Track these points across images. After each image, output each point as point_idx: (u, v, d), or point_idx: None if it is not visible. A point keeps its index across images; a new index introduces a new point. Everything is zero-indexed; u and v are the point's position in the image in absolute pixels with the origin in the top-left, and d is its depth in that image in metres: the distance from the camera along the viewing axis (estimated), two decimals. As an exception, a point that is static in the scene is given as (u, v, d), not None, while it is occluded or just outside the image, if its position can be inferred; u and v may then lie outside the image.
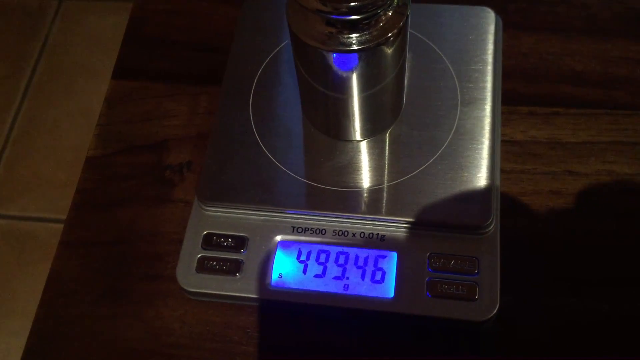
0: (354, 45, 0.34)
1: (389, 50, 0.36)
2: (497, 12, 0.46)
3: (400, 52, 0.37)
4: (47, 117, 1.21)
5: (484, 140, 0.41)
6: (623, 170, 0.42)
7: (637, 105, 0.44)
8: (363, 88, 0.38)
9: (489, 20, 0.45)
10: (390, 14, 0.35)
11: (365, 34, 0.34)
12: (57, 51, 1.28)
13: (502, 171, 0.42)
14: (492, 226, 0.39)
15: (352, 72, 0.36)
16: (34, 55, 1.28)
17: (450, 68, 0.44)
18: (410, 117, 0.42)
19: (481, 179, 0.40)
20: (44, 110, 1.22)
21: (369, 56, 0.36)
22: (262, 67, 0.45)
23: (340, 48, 0.35)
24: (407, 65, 0.40)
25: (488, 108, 0.42)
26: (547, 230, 0.40)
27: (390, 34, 0.35)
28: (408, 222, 0.39)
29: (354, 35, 0.34)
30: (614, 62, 0.46)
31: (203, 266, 0.39)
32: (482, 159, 0.40)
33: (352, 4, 0.32)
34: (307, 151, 0.43)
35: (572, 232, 0.40)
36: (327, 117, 0.42)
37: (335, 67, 0.36)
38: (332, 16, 0.33)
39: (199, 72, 0.48)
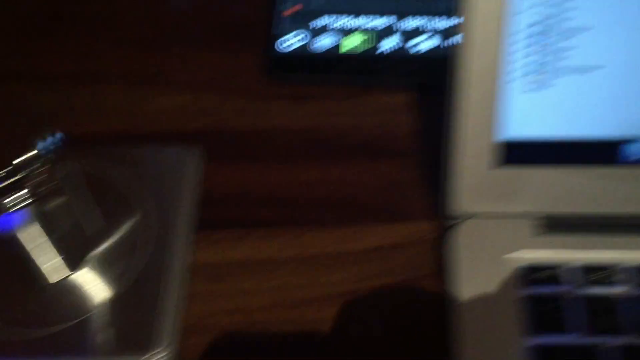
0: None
1: (57, 208, 0.40)
2: (199, 149, 0.51)
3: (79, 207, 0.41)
4: None
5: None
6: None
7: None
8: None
9: (188, 157, 0.50)
10: (38, 178, 0.39)
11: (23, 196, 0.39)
12: None
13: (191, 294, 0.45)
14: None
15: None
16: None
17: (152, 207, 0.48)
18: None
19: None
20: None
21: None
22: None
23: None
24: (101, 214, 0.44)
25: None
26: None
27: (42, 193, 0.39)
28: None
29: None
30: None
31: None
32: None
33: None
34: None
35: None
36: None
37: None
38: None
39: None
